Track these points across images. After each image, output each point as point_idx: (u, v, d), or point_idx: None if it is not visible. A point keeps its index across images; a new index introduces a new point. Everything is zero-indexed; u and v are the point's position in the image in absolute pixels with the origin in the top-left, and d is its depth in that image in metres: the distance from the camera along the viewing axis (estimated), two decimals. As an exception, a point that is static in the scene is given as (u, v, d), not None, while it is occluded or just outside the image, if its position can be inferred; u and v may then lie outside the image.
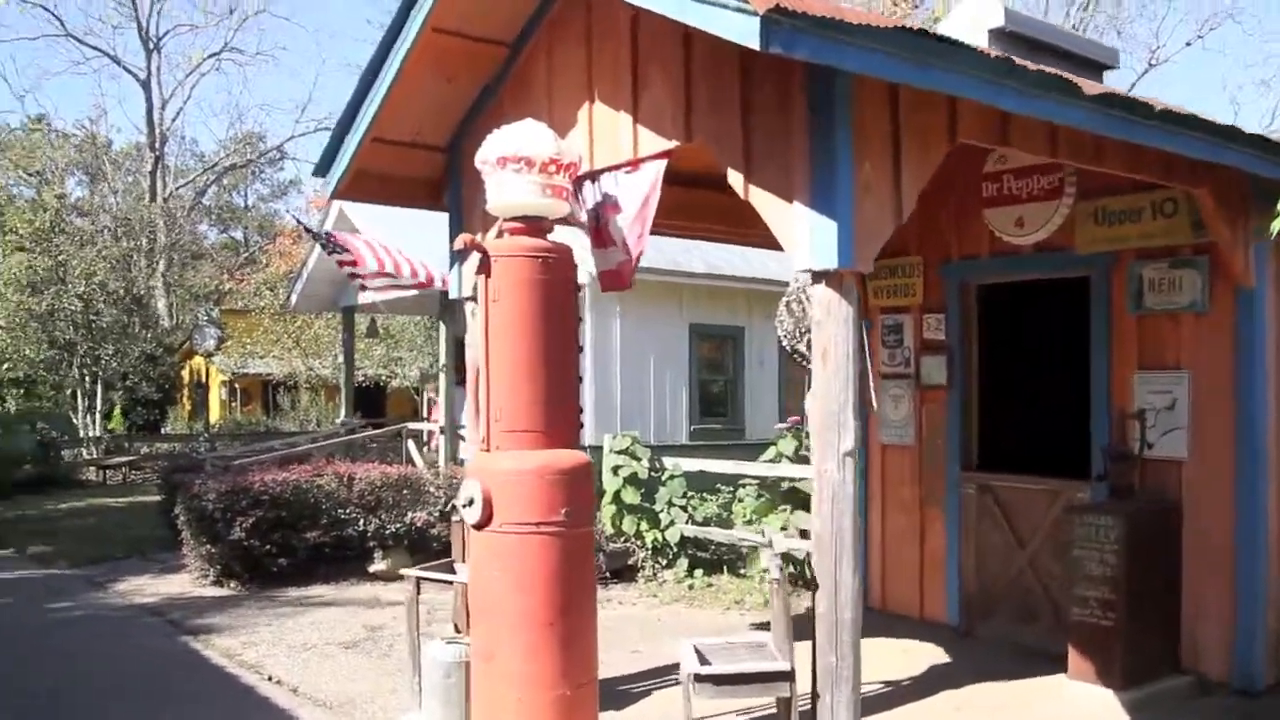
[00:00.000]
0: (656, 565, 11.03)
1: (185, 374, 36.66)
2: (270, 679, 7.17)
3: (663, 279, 12.72)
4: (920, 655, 7.65)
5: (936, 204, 8.36)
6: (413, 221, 12.86)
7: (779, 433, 10.48)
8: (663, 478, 11.28)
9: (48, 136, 32.56)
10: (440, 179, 6.94)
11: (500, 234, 5.98)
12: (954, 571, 8.24)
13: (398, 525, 10.75)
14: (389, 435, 13.28)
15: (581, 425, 5.40)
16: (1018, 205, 7.52)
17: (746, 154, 4.67)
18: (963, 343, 8.27)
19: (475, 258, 6.63)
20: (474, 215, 6.60)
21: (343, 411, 14.43)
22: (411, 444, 12.78)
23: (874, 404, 4.64)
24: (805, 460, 10.79)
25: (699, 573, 10.67)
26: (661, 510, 11.01)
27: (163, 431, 31.53)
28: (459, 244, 4.96)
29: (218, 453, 13.53)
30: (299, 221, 12.19)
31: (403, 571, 6.23)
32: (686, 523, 10.92)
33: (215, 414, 31.38)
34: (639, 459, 11.33)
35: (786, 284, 14.10)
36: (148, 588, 10.37)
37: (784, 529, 10.20)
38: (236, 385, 33.76)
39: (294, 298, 14.20)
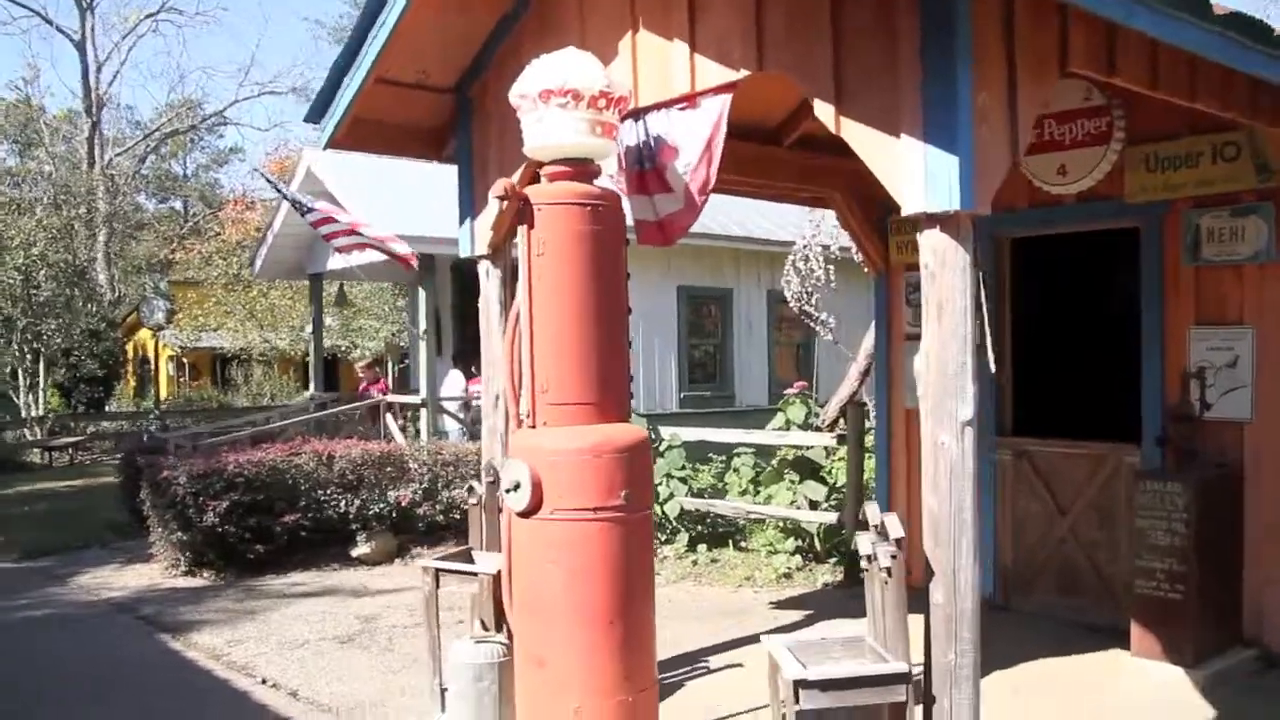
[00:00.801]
0: (655, 540, 10.48)
1: (130, 349, 35.39)
2: (264, 682, 6.52)
3: (645, 247, 12.07)
4: (959, 632, 7.18)
5: (967, 152, 7.84)
6: (385, 182, 12.13)
7: (787, 398, 9.94)
8: (660, 448, 10.73)
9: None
10: (444, 126, 6.27)
11: (525, 180, 5.37)
12: (988, 542, 7.75)
13: (381, 505, 10.10)
14: (365, 410, 12.57)
15: (632, 395, 4.79)
16: (1060, 152, 6.99)
17: (838, 83, 4.08)
18: (996, 300, 7.76)
19: (491, 211, 6.02)
20: (486, 165, 5.95)
21: (311, 385, 13.64)
22: (390, 419, 12.08)
23: (993, 365, 4.09)
24: (814, 428, 10.31)
25: (701, 548, 10.16)
26: (660, 482, 10.47)
27: (108, 410, 30.35)
28: (497, 190, 4.31)
29: (179, 431, 12.71)
30: (268, 179, 11.33)
31: (421, 563, 5.61)
32: (686, 495, 10.41)
33: (163, 390, 30.20)
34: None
35: (776, 244, 13.61)
36: (114, 580, 9.62)
37: (793, 501, 9.73)
38: (185, 360, 32.56)
39: (258, 264, 13.35)
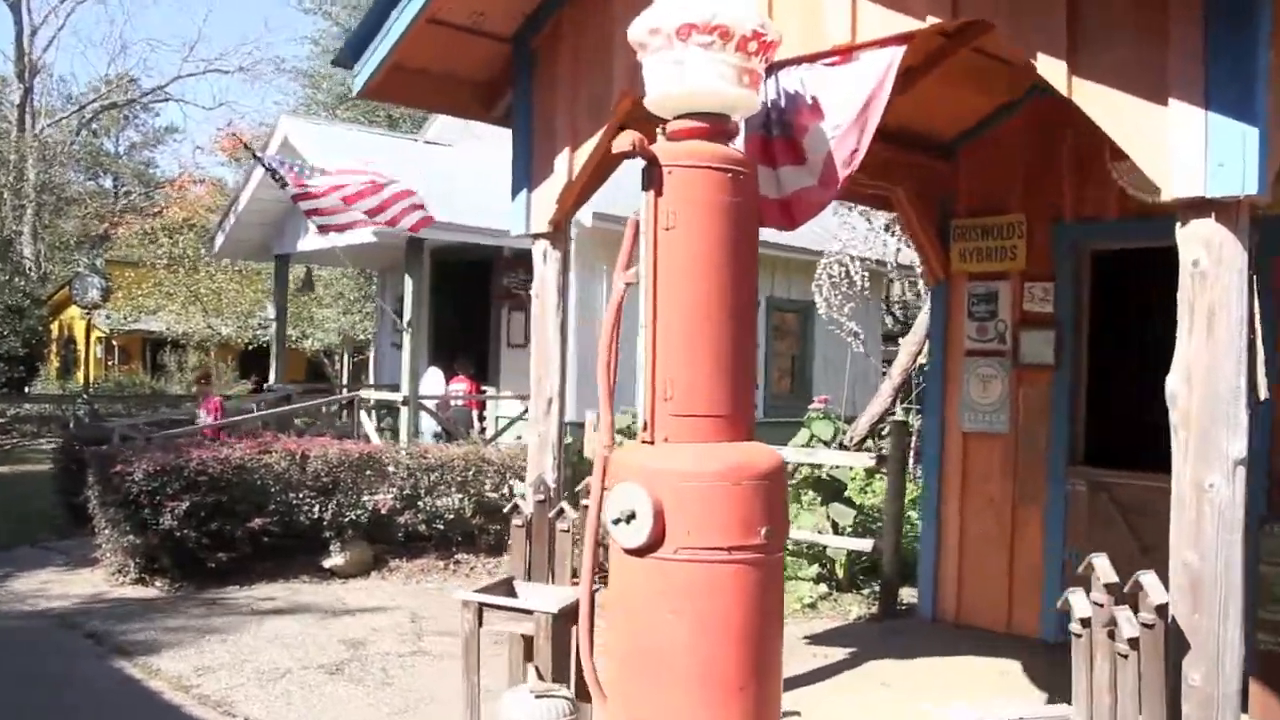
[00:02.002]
0: (658, 562, 9.63)
1: (55, 329, 33.52)
2: (248, 723, 5.51)
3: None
4: (1023, 679, 6.46)
5: (1048, 153, 7.15)
6: (370, 158, 11.12)
7: (811, 415, 9.15)
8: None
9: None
10: (496, 80, 5.35)
11: (602, 148, 4.48)
12: (1055, 580, 7.06)
13: (357, 512, 9.10)
14: (335, 405, 11.49)
15: (754, 406, 3.93)
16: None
17: (1072, 31, 3.26)
18: (1074, 316, 7.07)
19: (556, 181, 5.11)
20: (551, 128, 5.05)
21: (272, 376, 12.52)
22: (364, 415, 11.04)
23: (1262, 391, 3.31)
24: (841, 446, 9.53)
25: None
26: (665, 497, 9.60)
27: (29, 392, 28.58)
28: (623, 144, 3.42)
29: (124, 420, 11.52)
30: (246, 145, 10.24)
31: (461, 596, 4.67)
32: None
33: (90, 373, 28.50)
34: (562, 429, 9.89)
35: (779, 248, 12.83)
36: (53, 587, 8.47)
37: (818, 526, 8.94)
38: (115, 343, 30.84)
39: (218, 242, 12.20)
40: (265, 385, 12.78)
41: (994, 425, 7.40)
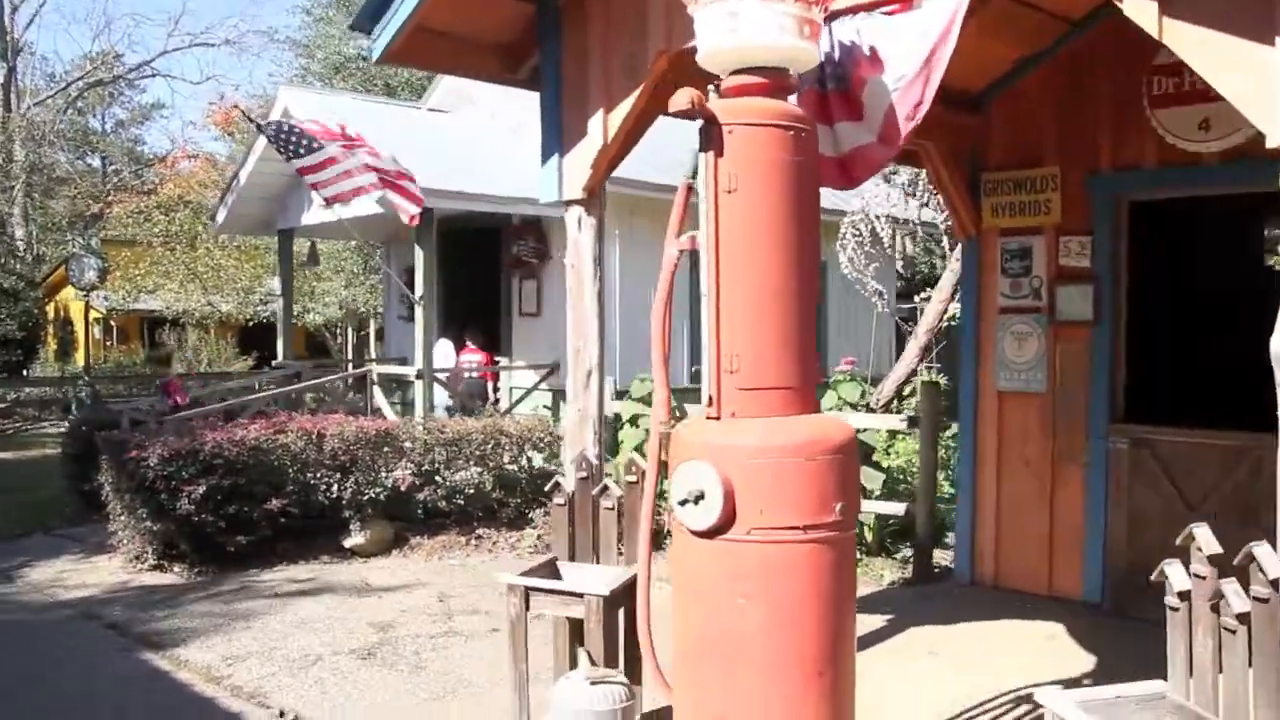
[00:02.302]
0: (682, 530, 9.50)
1: (50, 311, 33.19)
2: (283, 716, 5.36)
3: (662, 195, 10.97)
4: (1071, 643, 6.33)
5: (1081, 102, 6.91)
6: (375, 128, 10.85)
7: (835, 376, 8.96)
8: (688, 428, 9.70)
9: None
10: (520, 41, 5.11)
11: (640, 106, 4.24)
12: (1097, 540, 6.92)
13: (377, 490, 8.93)
14: (347, 381, 11.27)
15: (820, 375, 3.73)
16: (1203, 105, 6.14)
17: (1165, -33, 3.04)
18: (1112, 270, 6.86)
19: (589, 145, 4.89)
20: (584, 89, 4.83)
21: (280, 353, 12.29)
22: (379, 392, 10.83)
23: None
24: (868, 408, 9.36)
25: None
26: (686, 466, 9.45)
27: (27, 374, 28.32)
28: (681, 102, 3.20)
29: (130, 403, 11.32)
30: (243, 112, 9.93)
31: (504, 579, 4.49)
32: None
33: (86, 355, 28.22)
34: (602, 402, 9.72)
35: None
36: (70, 576, 8.30)
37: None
38: (113, 323, 30.55)
39: (220, 217, 11.92)
40: (273, 363, 12.57)
41: (1030, 384, 7.22)
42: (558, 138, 4.93)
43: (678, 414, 3.67)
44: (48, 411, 23.52)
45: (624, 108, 4.61)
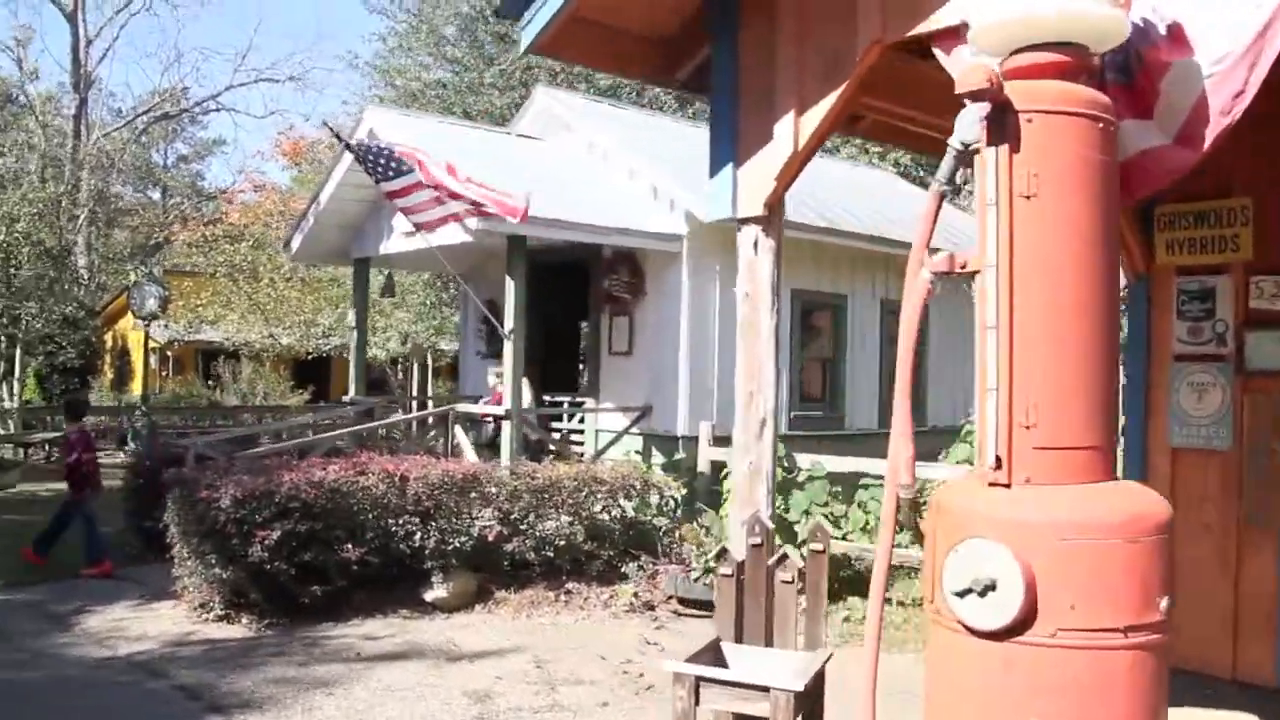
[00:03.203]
0: (790, 590, 8.69)
1: (109, 340, 33.10)
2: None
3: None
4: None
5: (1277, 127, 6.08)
6: (461, 151, 10.27)
7: (967, 425, 8.14)
8: (798, 478, 8.94)
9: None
10: (683, 34, 4.41)
11: (841, 109, 3.52)
12: (1294, 612, 6.01)
13: (462, 538, 8.22)
14: (426, 420, 10.58)
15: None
16: None
17: None
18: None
19: (775, 152, 4.17)
20: (768, 87, 4.12)
21: (351, 388, 11.66)
22: (460, 431, 10.15)
23: None
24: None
25: (854, 600, 8.39)
26: (798, 520, 8.69)
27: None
28: (974, 80, 2.47)
29: (204, 438, 10.72)
30: (332, 130, 9.38)
31: (672, 668, 3.73)
32: (843, 538, 8.64)
33: (140, 384, 27.94)
34: (777, 456, 8.92)
35: (899, 244, 11.83)
36: (131, 625, 7.63)
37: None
38: (169, 354, 30.31)
39: (295, 245, 11.38)
40: (344, 398, 11.94)
41: (1212, 440, 6.35)
42: (732, 146, 4.22)
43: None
44: (103, 441, 23.16)
45: (821, 109, 3.90)
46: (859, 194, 13.21)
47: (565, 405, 11.26)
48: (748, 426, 4.22)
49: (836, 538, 8.72)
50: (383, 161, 8.46)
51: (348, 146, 8.89)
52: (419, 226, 8.59)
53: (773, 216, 4.19)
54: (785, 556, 4.05)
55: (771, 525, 4.19)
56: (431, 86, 15.56)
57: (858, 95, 3.81)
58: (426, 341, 20.91)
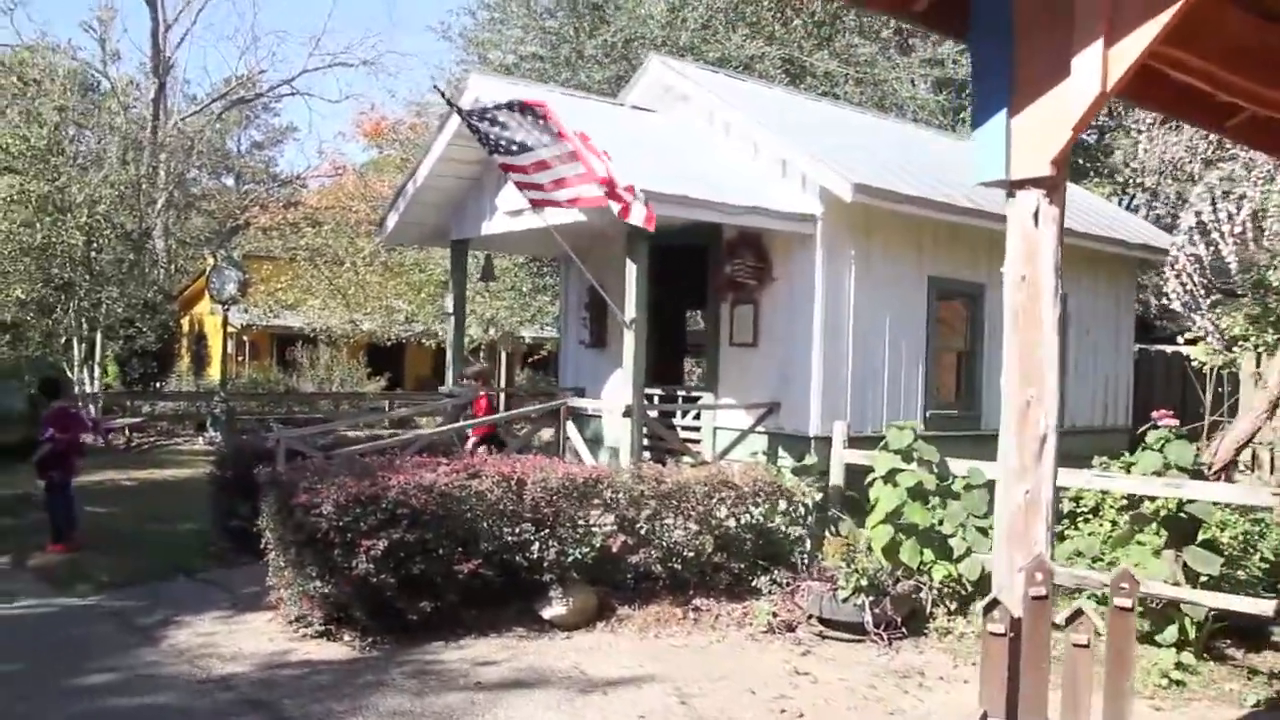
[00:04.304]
0: (946, 609, 7.74)
1: (185, 325, 32.97)
2: None
3: (898, 208, 9.28)
4: None
5: None
6: (577, 122, 9.41)
7: (1163, 434, 7.09)
8: (952, 486, 7.97)
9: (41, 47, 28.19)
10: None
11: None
12: None
13: (583, 549, 7.41)
14: (540, 414, 9.75)
15: None
16: None
17: None
18: None
19: (1066, 99, 3.21)
20: (1054, 9, 3.15)
21: (449, 379, 10.87)
22: (573, 427, 9.30)
23: None
24: (1199, 475, 7.46)
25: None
26: (953, 533, 7.73)
27: (161, 389, 27.87)
28: None
29: (294, 431, 10.02)
30: (445, 97, 8.58)
31: None
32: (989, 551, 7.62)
33: (218, 369, 27.66)
34: (929, 462, 7.97)
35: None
36: (223, 641, 6.91)
37: (1173, 579, 6.89)
38: (245, 339, 30.02)
39: (390, 224, 10.59)
40: (441, 388, 11.18)
41: None
42: (1005, 89, 3.26)
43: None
44: (182, 426, 22.83)
45: (1143, 33, 2.93)
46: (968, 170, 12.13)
47: (679, 401, 10.36)
48: (1023, 445, 3.27)
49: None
50: (499, 125, 7.61)
51: (457, 111, 8.06)
52: (539, 204, 7.75)
53: (1059, 178, 3.23)
54: (1080, 614, 3.11)
55: (1052, 570, 3.25)
56: (527, 60, 14.76)
57: (1210, 4, 2.84)
58: (512, 327, 20.13)
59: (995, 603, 3.17)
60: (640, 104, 10.72)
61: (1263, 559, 8.09)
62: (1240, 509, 8.05)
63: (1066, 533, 8.92)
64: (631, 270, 8.33)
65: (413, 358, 32.37)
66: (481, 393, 10.64)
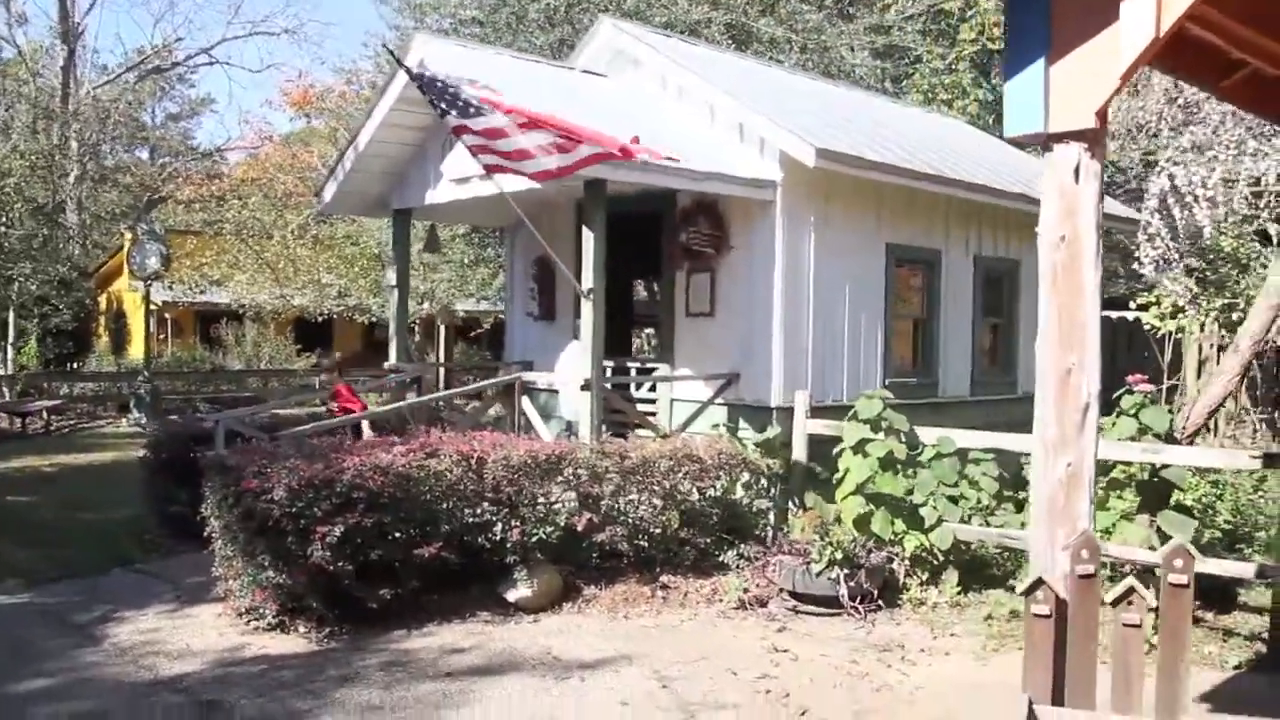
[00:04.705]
0: (919, 580, 7.63)
1: (103, 302, 31.76)
2: None
3: (859, 174, 9.09)
4: None
5: None
6: (525, 85, 9.04)
7: (1138, 399, 7.01)
8: (921, 456, 7.85)
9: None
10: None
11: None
12: None
13: (548, 529, 7.13)
14: (494, 390, 9.34)
15: None
16: None
17: None
18: None
19: (1115, 42, 2.97)
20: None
21: (393, 354, 10.40)
22: (528, 402, 8.96)
23: None
24: (1172, 438, 7.39)
25: (995, 594, 7.37)
26: (923, 502, 7.61)
27: (78, 369, 26.82)
28: None
29: (237, 412, 9.55)
30: (391, 52, 8.07)
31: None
32: (959, 519, 7.57)
33: (139, 348, 26.66)
34: (898, 431, 7.83)
35: (996, 194, 10.60)
36: (168, 636, 6.50)
37: (1149, 544, 6.84)
38: (167, 316, 28.98)
39: (328, 193, 10.04)
40: (385, 365, 10.75)
41: None
42: (1044, 35, 3.02)
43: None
44: (103, 408, 21.97)
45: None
46: (938, 141, 12.03)
47: (633, 374, 10.07)
48: (1064, 415, 3.06)
49: (961, 520, 7.65)
50: (448, 96, 7.24)
51: (406, 71, 7.62)
52: (494, 168, 7.38)
53: (1101, 131, 3.02)
54: (1133, 592, 2.93)
55: (1097, 549, 3.05)
56: (466, 24, 14.24)
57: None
58: (449, 302, 19.61)
59: (1039, 583, 2.97)
60: (590, 68, 10.36)
61: (1226, 521, 8.14)
62: (1200, 471, 8.08)
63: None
64: (589, 238, 8.01)
65: (342, 333, 31.60)
66: (339, 382, 11.18)
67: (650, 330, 16.46)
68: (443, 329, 21.89)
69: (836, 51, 15.04)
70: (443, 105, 7.34)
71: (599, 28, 10.56)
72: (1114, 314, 15.42)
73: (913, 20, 16.04)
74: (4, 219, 19.38)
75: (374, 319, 23.71)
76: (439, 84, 7.33)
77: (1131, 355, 14.39)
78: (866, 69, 15.64)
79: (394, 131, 9.59)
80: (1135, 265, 10.56)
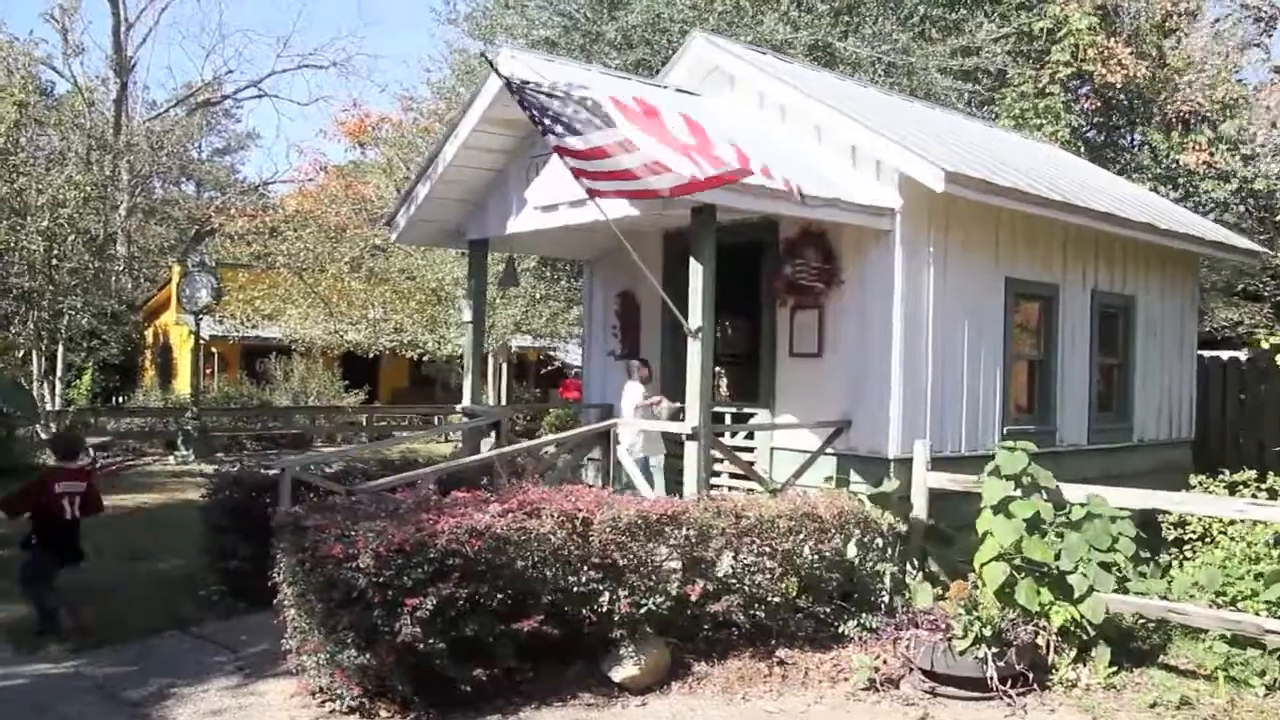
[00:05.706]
0: (1066, 657, 6.72)
1: (149, 336, 31.42)
2: None
3: (982, 199, 8.26)
4: None
5: None
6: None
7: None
8: (1070, 515, 6.97)
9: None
10: None
11: None
12: None
13: (658, 599, 6.31)
14: (584, 438, 8.53)
15: None
16: None
17: None
18: None
19: None
20: None
21: (466, 392, 9.62)
22: (624, 455, 8.13)
23: None
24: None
25: (1154, 674, 6.47)
26: (1071, 569, 6.72)
27: (123, 404, 26.34)
28: None
29: (303, 457, 8.83)
30: (489, 61, 7.34)
31: None
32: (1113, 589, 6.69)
33: (184, 382, 26.13)
34: (1044, 489, 6.96)
35: (1121, 223, 9.72)
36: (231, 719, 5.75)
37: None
38: (214, 350, 28.50)
39: (400, 221, 9.33)
40: (459, 406, 9.99)
41: None
42: None
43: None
44: (149, 444, 21.42)
45: None
46: (1050, 167, 11.19)
47: (727, 420, 9.25)
48: None
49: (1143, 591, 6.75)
50: (556, 99, 6.51)
51: (502, 78, 6.88)
52: (595, 193, 6.66)
53: None
54: None
55: None
56: (538, 45, 13.62)
57: None
58: (511, 334, 18.83)
59: None
60: (682, 86, 9.63)
61: None
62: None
63: (1177, 562, 8.03)
64: (697, 271, 7.23)
65: (388, 369, 31.02)
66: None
67: (719, 369, 15.64)
68: (504, 367, 21.14)
69: (925, 74, 14.28)
70: (545, 121, 6.60)
71: (690, 44, 9.84)
72: (1221, 354, 14.46)
73: (1001, 42, 15.25)
74: (58, 251, 18.94)
75: (424, 354, 23.07)
76: (543, 96, 6.59)
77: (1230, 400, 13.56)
78: (956, 92, 14.85)
79: (474, 155, 8.88)
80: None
